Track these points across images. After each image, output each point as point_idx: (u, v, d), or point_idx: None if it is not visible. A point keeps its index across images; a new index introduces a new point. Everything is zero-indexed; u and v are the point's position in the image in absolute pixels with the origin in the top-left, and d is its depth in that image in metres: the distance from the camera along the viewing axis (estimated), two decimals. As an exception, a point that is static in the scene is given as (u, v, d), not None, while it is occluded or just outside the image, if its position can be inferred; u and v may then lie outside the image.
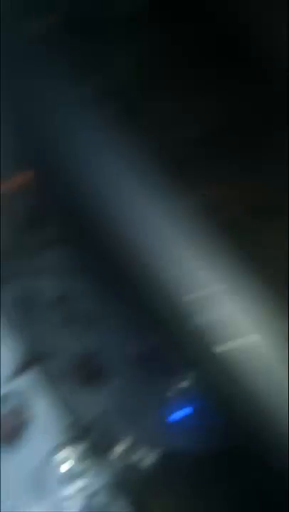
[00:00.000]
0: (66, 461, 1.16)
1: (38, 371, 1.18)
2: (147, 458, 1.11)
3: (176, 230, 0.87)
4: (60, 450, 1.16)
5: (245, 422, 0.82)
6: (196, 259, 0.83)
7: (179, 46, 0.99)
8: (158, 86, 0.97)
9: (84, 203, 0.90)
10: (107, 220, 0.90)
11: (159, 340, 0.89)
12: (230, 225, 0.84)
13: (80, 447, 1.15)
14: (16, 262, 1.14)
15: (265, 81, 0.94)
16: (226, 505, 1.01)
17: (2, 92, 0.97)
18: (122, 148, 0.91)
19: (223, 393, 0.83)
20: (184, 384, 0.98)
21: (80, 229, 0.92)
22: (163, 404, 1.07)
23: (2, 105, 0.99)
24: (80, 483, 1.15)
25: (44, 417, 1.17)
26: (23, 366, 1.18)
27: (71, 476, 1.15)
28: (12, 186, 1.04)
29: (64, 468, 1.16)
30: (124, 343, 1.09)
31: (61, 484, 1.15)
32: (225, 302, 0.80)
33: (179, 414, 1.05)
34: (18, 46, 1.04)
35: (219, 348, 0.82)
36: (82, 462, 1.15)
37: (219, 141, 0.90)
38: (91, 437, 1.15)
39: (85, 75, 0.96)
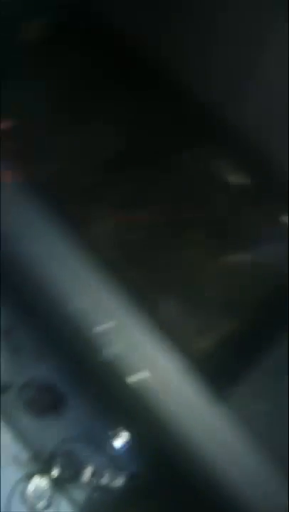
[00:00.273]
0: (34, 491, 1.16)
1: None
2: (114, 481, 1.12)
3: (78, 262, 0.86)
4: (28, 480, 1.16)
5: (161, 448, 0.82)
6: (98, 293, 0.83)
7: (78, 74, 0.98)
8: (59, 117, 0.96)
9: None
10: (14, 256, 0.89)
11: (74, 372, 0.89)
12: (122, 261, 0.83)
13: (47, 476, 1.16)
14: None
15: (163, 106, 0.93)
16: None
17: None
18: (22, 183, 0.90)
19: (139, 423, 0.83)
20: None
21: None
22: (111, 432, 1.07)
23: None
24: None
25: (8, 449, 1.18)
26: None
27: (41, 506, 1.15)
28: None
29: (33, 497, 1.16)
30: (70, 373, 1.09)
31: (31, 514, 1.15)
32: (122, 337, 0.79)
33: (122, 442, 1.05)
34: None
35: (129, 379, 0.82)
36: (51, 490, 1.16)
37: (117, 169, 0.89)
38: (56, 466, 1.16)
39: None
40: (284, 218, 0.95)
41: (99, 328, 0.84)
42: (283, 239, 0.93)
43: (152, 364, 0.82)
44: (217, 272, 0.89)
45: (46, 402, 1.18)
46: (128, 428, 0.98)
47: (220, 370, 0.81)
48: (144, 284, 0.84)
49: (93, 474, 1.13)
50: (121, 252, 0.86)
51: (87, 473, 1.14)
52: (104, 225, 0.89)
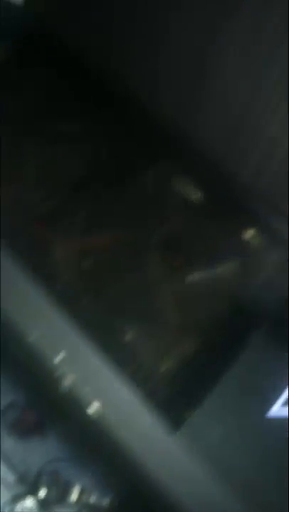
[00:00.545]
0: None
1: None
2: (101, 500, 1.11)
3: (35, 290, 0.85)
4: (15, 502, 1.16)
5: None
6: (56, 322, 0.82)
7: (32, 97, 0.97)
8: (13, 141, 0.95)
9: None
10: None
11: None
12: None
13: (34, 497, 1.16)
14: None
15: (118, 126, 0.91)
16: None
17: None
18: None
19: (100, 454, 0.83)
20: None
21: None
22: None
23: None
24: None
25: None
26: None
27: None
28: None
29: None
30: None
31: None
32: (79, 366, 0.78)
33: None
34: None
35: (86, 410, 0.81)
36: (38, 511, 1.16)
37: (74, 192, 0.88)
38: (43, 486, 1.15)
39: None
40: (243, 233, 0.93)
41: (57, 359, 0.84)
42: (242, 255, 0.92)
43: (109, 394, 0.81)
44: (176, 293, 0.87)
45: (30, 423, 1.18)
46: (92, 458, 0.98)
47: (179, 394, 0.80)
48: (103, 310, 0.83)
49: (81, 493, 1.13)
50: (79, 278, 0.85)
51: (75, 492, 1.13)
52: (62, 250, 0.88)
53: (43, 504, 1.15)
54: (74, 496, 1.14)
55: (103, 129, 0.96)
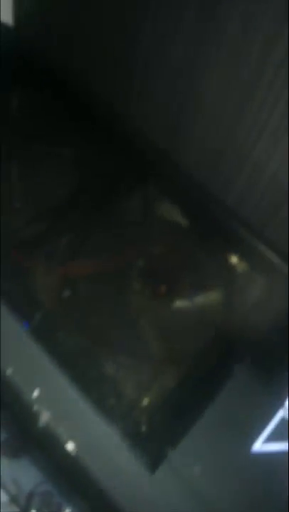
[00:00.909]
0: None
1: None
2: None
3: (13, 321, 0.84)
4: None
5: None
6: (34, 355, 0.81)
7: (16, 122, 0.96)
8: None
9: None
10: None
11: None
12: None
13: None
14: None
15: (103, 149, 0.90)
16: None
17: None
18: None
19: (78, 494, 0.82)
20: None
21: None
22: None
23: None
24: None
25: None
26: None
27: None
28: None
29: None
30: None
31: None
32: (56, 402, 0.77)
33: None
34: None
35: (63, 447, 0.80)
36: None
37: (58, 218, 0.86)
38: (35, 507, 1.15)
39: None
40: (227, 260, 0.92)
41: (33, 394, 0.82)
42: (227, 281, 0.90)
43: (86, 432, 0.80)
44: (159, 322, 0.86)
45: (22, 443, 1.17)
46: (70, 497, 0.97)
47: (160, 430, 0.79)
48: (82, 341, 0.82)
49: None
50: (58, 308, 0.84)
51: (67, 514, 1.13)
52: (41, 279, 0.86)
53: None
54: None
55: (87, 153, 0.95)
